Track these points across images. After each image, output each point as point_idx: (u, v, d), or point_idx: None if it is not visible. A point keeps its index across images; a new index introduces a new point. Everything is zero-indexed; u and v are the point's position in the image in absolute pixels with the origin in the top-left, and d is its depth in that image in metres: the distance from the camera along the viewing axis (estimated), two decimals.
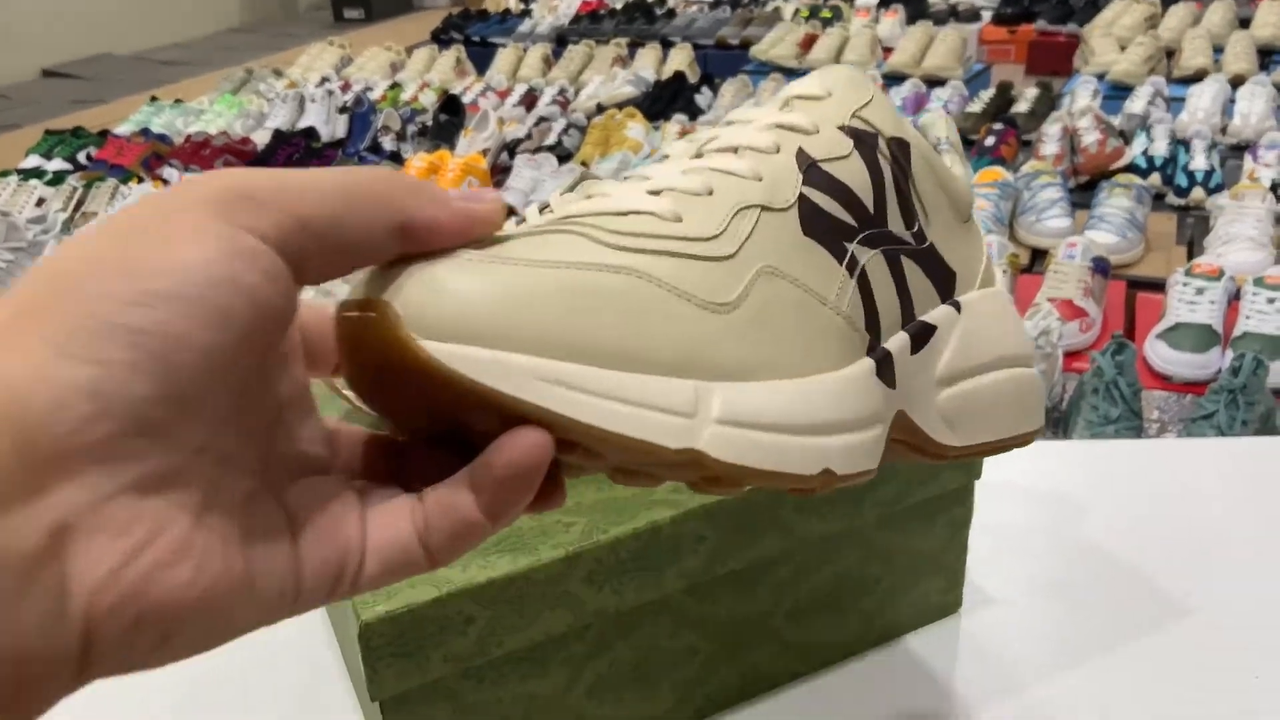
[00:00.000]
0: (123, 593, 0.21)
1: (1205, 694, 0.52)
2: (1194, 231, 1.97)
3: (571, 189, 0.55)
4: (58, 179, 2.42)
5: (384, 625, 0.40)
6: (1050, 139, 2.23)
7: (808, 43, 3.20)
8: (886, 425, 0.32)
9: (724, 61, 3.27)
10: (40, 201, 2.28)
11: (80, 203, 2.29)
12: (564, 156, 2.51)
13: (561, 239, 0.27)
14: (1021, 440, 0.37)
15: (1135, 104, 2.49)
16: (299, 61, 3.59)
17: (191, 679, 0.55)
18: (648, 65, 3.24)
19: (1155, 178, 2.10)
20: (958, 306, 0.36)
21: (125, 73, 4.10)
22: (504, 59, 3.40)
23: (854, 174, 0.32)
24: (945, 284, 0.35)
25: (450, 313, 0.24)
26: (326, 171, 0.24)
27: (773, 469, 0.27)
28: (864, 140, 0.33)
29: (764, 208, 0.30)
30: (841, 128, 0.33)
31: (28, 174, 2.49)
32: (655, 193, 0.30)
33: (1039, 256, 1.87)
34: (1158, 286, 1.69)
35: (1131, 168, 2.15)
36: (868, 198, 0.32)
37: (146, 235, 0.21)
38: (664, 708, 0.50)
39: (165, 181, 2.37)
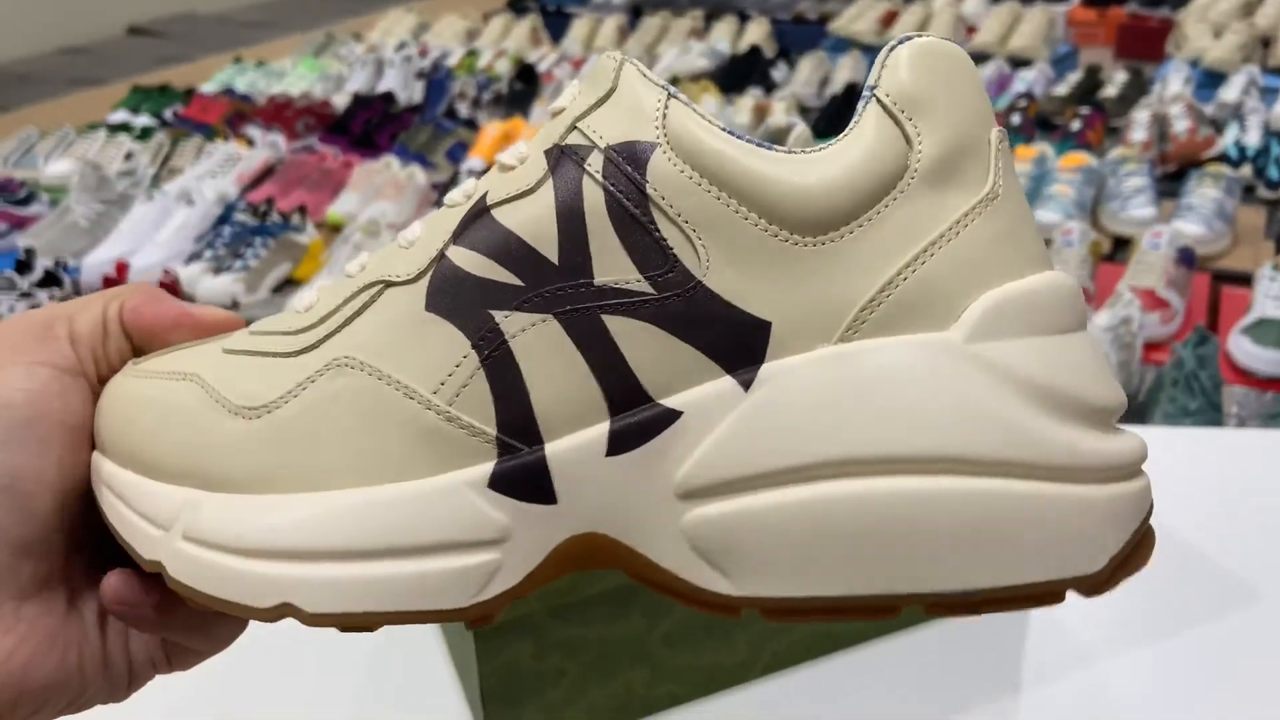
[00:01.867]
0: (6, 678, 0.26)
1: (1272, 686, 0.51)
2: None
3: None
4: (145, 134, 2.48)
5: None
6: (1139, 125, 2.17)
7: (888, 18, 3.15)
8: (524, 553, 0.25)
9: (801, 36, 3.23)
10: (128, 156, 2.35)
11: (167, 158, 2.36)
12: None
13: (212, 345, 0.29)
14: (1010, 598, 0.24)
15: (1228, 92, 2.41)
16: (378, 26, 3.63)
17: None
18: (723, 38, 3.21)
19: (1246, 169, 2.03)
20: (749, 380, 0.24)
21: (209, 32, 4.18)
22: (579, 28, 3.40)
23: (534, 215, 0.25)
24: (737, 346, 0.25)
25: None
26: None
27: (218, 595, 0.25)
28: (566, 164, 0.25)
29: (386, 283, 0.26)
30: (548, 150, 0.26)
31: (115, 129, 2.56)
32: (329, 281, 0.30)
33: (1121, 245, 1.83)
34: (1244, 280, 1.65)
35: (1222, 158, 2.09)
36: (550, 244, 0.25)
37: None
38: (737, 659, 0.51)
39: (249, 141, 2.42)
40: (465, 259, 0.25)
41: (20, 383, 0.26)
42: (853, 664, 0.53)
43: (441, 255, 0.26)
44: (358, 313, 0.26)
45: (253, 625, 0.28)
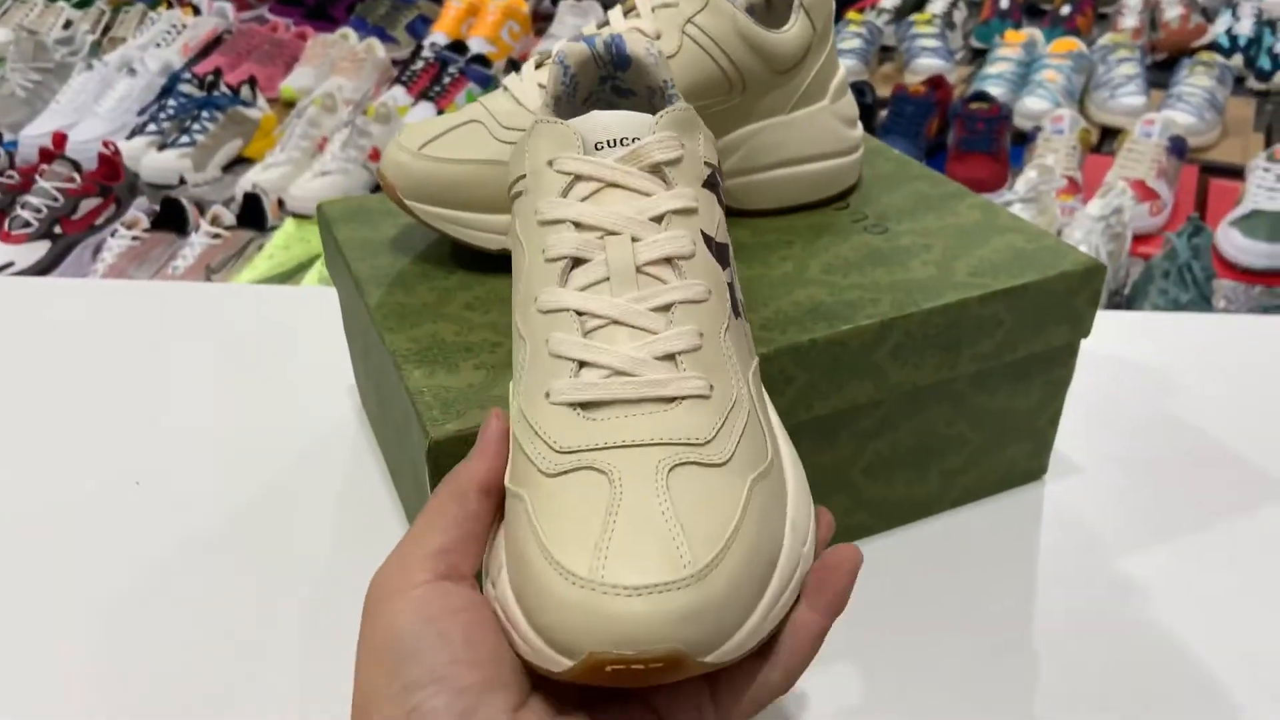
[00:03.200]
0: None
1: (1273, 568, 0.49)
2: (1273, 118, 1.86)
3: None
4: (84, 1, 2.32)
5: (452, 443, 0.37)
6: (1130, 11, 2.09)
7: None
8: None
9: None
10: (68, 24, 2.20)
11: (108, 26, 2.21)
12: (609, 3, 2.38)
13: None
14: None
15: None
16: None
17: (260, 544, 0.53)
18: None
19: (1237, 58, 1.97)
20: None
21: None
22: None
23: None
24: None
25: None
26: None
27: None
28: None
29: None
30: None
31: None
32: None
33: (1109, 136, 1.77)
34: (1233, 173, 1.61)
35: (1213, 46, 2.03)
36: None
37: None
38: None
39: (195, 8, 2.27)
40: None
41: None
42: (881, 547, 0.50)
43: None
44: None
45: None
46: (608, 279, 0.30)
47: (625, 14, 0.48)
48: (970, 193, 0.55)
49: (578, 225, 0.31)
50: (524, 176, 0.33)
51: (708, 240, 0.32)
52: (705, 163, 0.33)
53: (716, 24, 0.47)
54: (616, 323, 0.29)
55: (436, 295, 0.46)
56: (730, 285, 0.32)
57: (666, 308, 0.30)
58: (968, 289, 0.45)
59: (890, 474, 0.49)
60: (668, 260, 0.30)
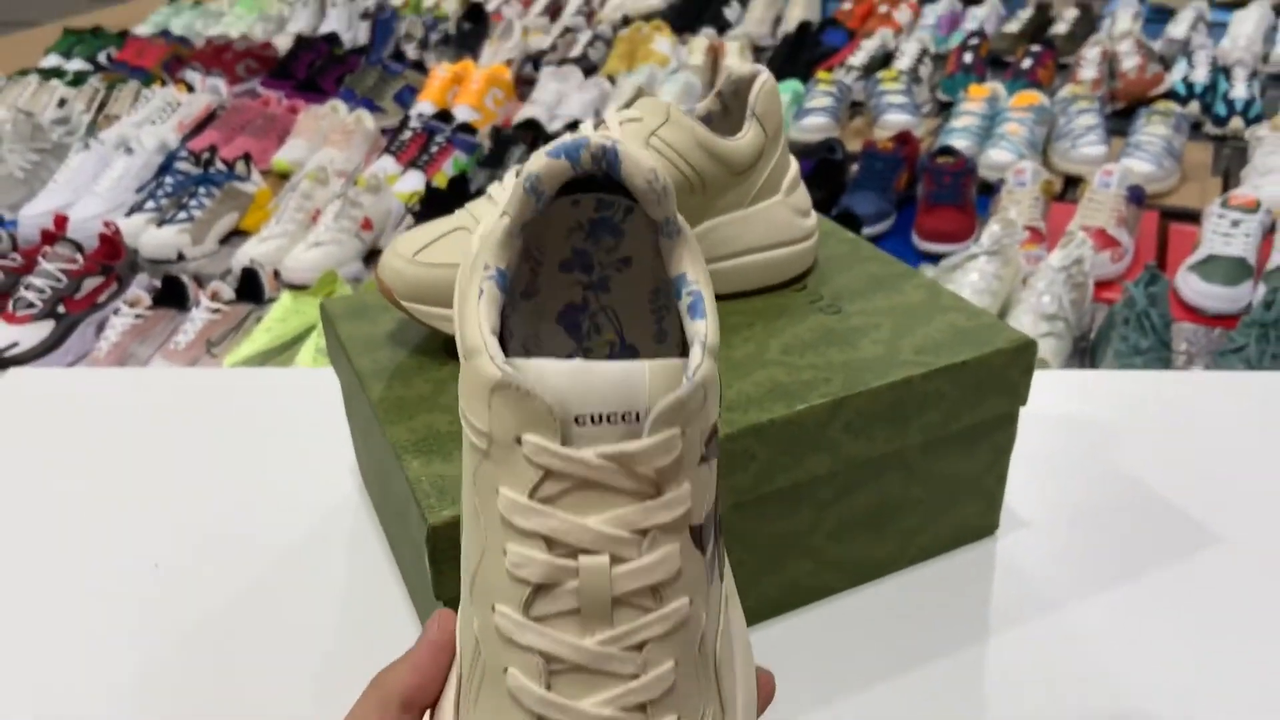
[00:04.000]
0: None
1: (1226, 619, 0.53)
2: (1230, 162, 1.93)
3: (629, 105, 0.55)
4: (78, 79, 2.39)
5: (449, 529, 0.41)
6: (1089, 63, 2.18)
7: None
8: None
9: None
10: (62, 102, 2.26)
11: (103, 104, 2.27)
12: (589, 69, 2.46)
13: None
14: None
15: (1177, 28, 2.43)
16: None
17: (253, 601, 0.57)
18: None
19: (1194, 106, 2.05)
20: None
21: None
22: None
23: None
24: None
25: None
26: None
27: None
28: None
29: None
30: None
31: (48, 73, 2.46)
32: None
33: (1072, 184, 1.84)
34: (1191, 217, 1.67)
35: (1170, 94, 2.11)
36: None
37: None
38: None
39: (188, 86, 2.34)
40: None
41: None
42: (816, 619, 0.54)
43: None
44: None
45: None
46: (578, 611, 0.26)
47: (595, 127, 0.53)
48: (916, 272, 0.60)
49: (549, 543, 0.26)
50: (484, 433, 0.27)
51: (695, 533, 0.28)
52: (704, 432, 0.28)
53: (678, 136, 0.53)
54: (584, 669, 0.26)
55: (432, 387, 0.50)
56: (715, 556, 0.29)
57: (641, 645, 0.26)
58: (913, 366, 0.50)
59: (851, 536, 0.54)
60: (651, 589, 0.27)
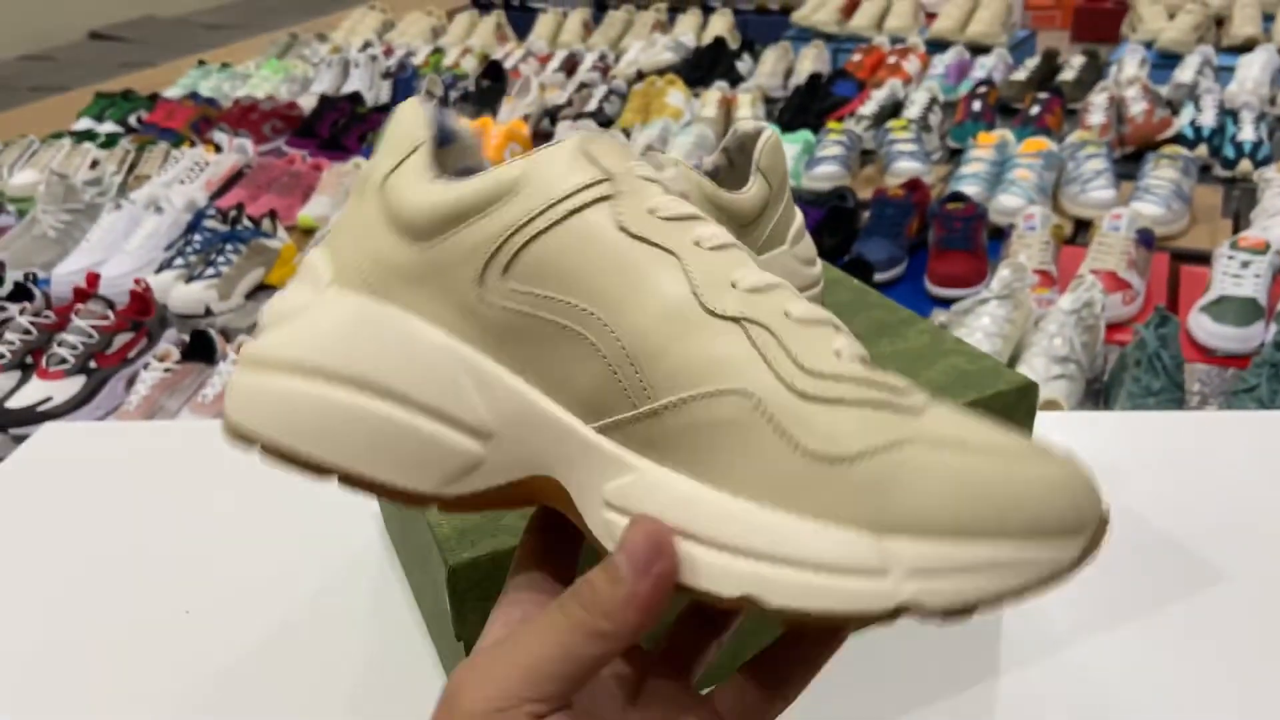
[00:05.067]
0: None
1: (1237, 660, 0.54)
2: (1240, 204, 1.95)
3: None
4: (110, 141, 2.46)
5: (468, 570, 0.43)
6: (1096, 108, 2.21)
7: (850, 8, 3.18)
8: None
9: (765, 27, 3.26)
10: (94, 164, 2.33)
11: (133, 165, 2.34)
12: (605, 123, 2.52)
13: None
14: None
15: (1184, 73, 2.46)
16: (341, 26, 3.62)
17: (268, 637, 0.59)
18: (688, 31, 3.23)
19: (1202, 149, 2.08)
20: None
21: (170, 36, 4.14)
22: (544, 24, 3.40)
23: None
24: None
25: None
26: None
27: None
28: None
29: None
30: None
31: (80, 136, 2.54)
32: None
33: (1083, 227, 1.86)
34: (1202, 259, 1.69)
35: (1178, 138, 2.13)
36: None
37: None
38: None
39: (216, 146, 2.41)
40: None
41: None
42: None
43: None
44: None
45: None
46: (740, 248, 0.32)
47: None
48: (920, 318, 0.62)
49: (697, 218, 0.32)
50: (600, 182, 0.30)
51: None
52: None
53: (684, 190, 0.55)
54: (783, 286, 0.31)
55: None
56: None
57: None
58: None
59: None
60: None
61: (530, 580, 0.33)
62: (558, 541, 0.34)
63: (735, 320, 0.29)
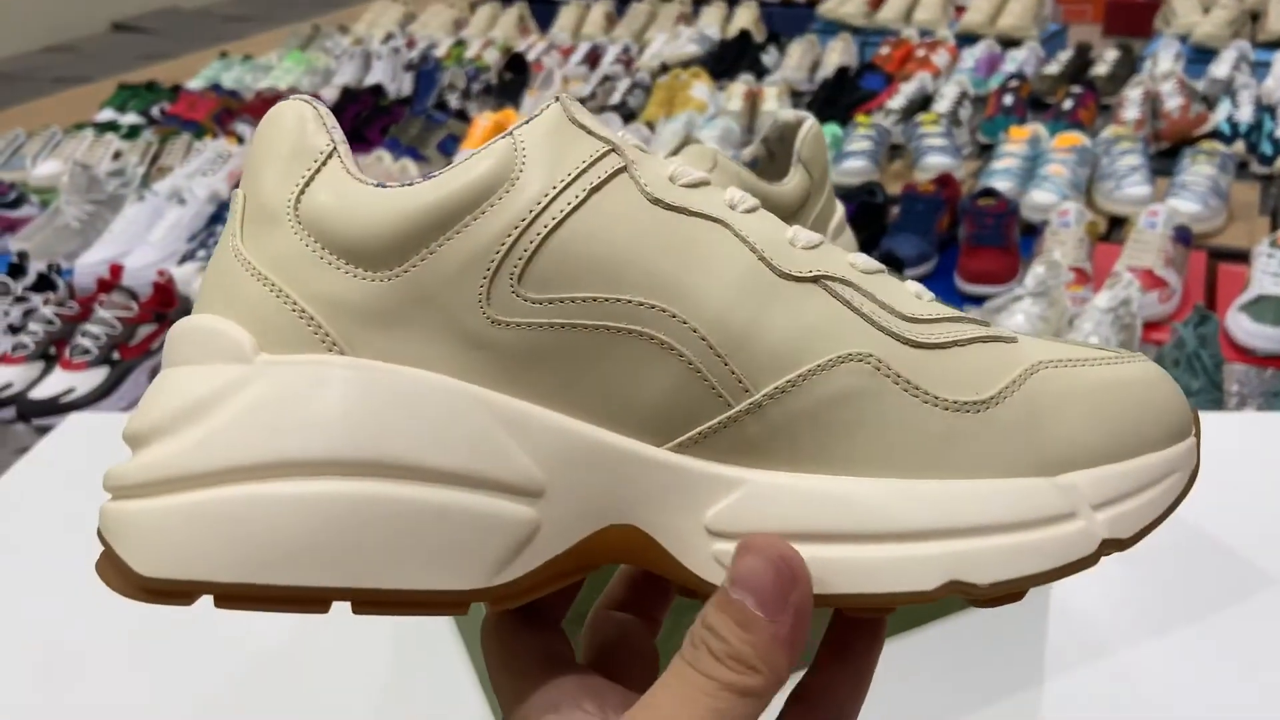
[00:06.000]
0: None
1: (1278, 668, 0.52)
2: (1277, 202, 1.91)
3: (676, 152, 0.56)
4: (133, 133, 2.46)
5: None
6: (1131, 103, 2.17)
7: (877, 0, 3.14)
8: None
9: (790, 19, 3.22)
10: (117, 155, 2.33)
11: (156, 156, 2.34)
12: (628, 116, 2.50)
13: None
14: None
15: (1219, 68, 2.41)
16: (363, 18, 3.61)
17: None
18: (712, 23, 3.20)
19: (1239, 145, 2.03)
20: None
21: (192, 27, 4.15)
22: (567, 16, 3.38)
23: None
24: None
25: None
26: None
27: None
28: None
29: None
30: None
31: (103, 127, 2.54)
32: None
33: (1117, 224, 1.83)
34: (1239, 257, 1.65)
35: (1215, 134, 2.09)
36: None
37: None
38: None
39: (238, 137, 2.40)
40: None
41: None
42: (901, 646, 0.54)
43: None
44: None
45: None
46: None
47: None
48: None
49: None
50: (608, 151, 0.26)
51: None
52: None
53: (725, 181, 0.53)
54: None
55: None
56: None
57: None
58: None
59: None
60: None
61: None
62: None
63: (814, 280, 0.26)
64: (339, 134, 0.26)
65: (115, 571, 0.24)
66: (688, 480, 0.25)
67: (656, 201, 0.26)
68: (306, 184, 0.25)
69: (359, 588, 0.24)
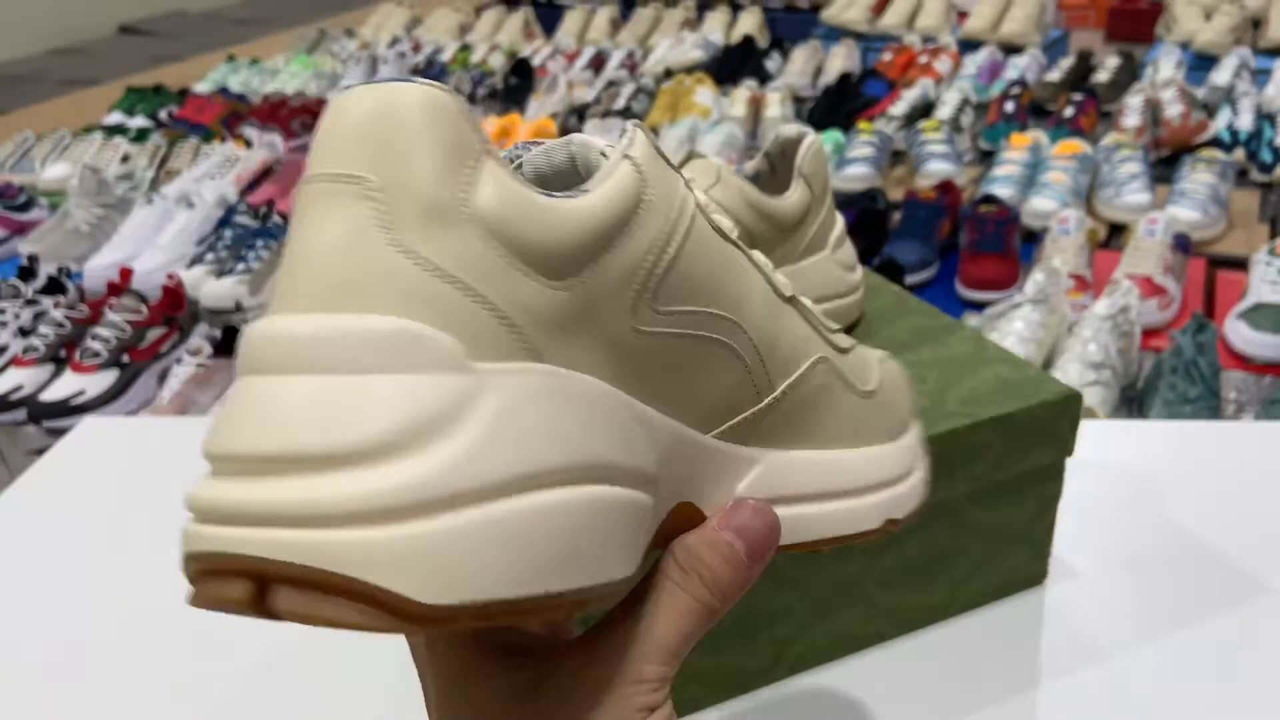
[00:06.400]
0: None
1: (1274, 675, 0.53)
2: (1277, 209, 1.92)
3: (681, 166, 0.57)
4: (141, 136, 2.48)
5: None
6: (1132, 111, 2.18)
7: (880, 6, 3.15)
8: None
9: (794, 25, 3.24)
10: (125, 158, 2.35)
11: (164, 160, 2.36)
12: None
13: None
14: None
15: (1220, 76, 2.43)
16: (369, 21, 3.63)
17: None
18: (716, 28, 3.22)
19: (1239, 153, 2.05)
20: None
21: (199, 30, 4.17)
22: (572, 21, 3.40)
23: None
24: None
25: None
26: None
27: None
28: None
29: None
30: None
31: (112, 130, 2.56)
32: None
33: (1117, 231, 1.84)
34: (1239, 264, 1.66)
35: (1215, 142, 2.10)
36: None
37: None
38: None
39: (246, 141, 2.42)
40: None
41: None
42: (867, 665, 0.55)
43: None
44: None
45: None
46: None
47: None
48: (961, 325, 0.61)
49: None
50: (689, 182, 0.30)
51: None
52: None
53: (728, 195, 0.55)
54: None
55: None
56: None
57: None
58: (958, 418, 0.51)
59: (901, 584, 0.55)
60: None
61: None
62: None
63: (790, 300, 0.32)
64: (484, 135, 0.25)
65: (372, 607, 0.21)
66: (725, 461, 0.31)
67: (715, 229, 0.30)
68: (474, 182, 0.24)
69: (594, 585, 0.24)
